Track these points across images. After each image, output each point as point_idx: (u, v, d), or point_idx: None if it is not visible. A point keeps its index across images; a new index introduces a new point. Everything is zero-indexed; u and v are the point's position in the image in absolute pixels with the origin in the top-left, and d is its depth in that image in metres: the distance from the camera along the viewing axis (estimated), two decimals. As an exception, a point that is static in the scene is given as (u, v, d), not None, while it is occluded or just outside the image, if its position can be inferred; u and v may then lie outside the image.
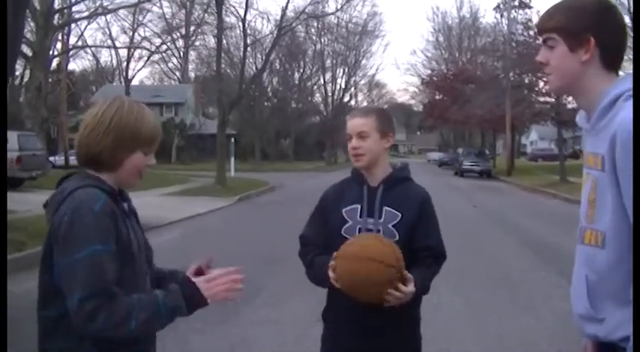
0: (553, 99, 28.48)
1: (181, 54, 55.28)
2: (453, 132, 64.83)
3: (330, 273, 2.26)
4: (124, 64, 47.30)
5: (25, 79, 31.03)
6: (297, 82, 57.49)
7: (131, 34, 44.74)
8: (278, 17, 29.57)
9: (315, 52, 56.07)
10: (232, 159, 29.71)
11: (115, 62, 56.80)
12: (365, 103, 66.05)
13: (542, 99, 31.06)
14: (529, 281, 7.65)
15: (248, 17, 35.53)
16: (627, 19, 2.31)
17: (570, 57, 1.68)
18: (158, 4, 41.17)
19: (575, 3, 1.70)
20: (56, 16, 24.09)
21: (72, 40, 38.26)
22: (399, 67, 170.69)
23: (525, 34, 31.89)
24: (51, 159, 26.84)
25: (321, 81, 60.24)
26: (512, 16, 35.76)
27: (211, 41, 42.10)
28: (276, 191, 23.13)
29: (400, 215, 2.38)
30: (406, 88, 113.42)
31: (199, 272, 1.99)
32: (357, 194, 2.45)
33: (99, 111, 1.80)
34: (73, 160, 29.50)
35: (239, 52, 35.29)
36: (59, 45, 35.68)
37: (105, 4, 28.35)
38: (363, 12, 65.12)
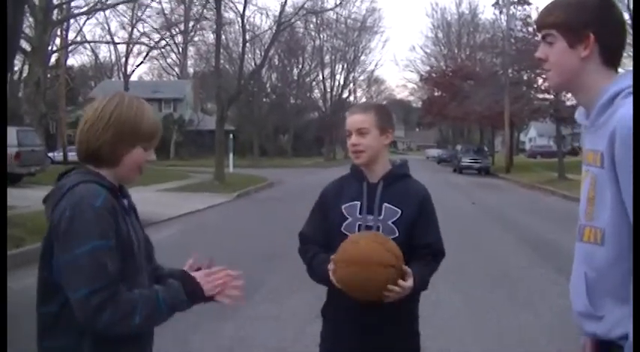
0: (552, 96, 28.41)
1: (180, 49, 55.20)
2: (452, 128, 64.75)
3: (331, 276, 2.25)
4: (123, 59, 47.46)
5: (24, 75, 30.92)
6: (295, 77, 57.44)
7: (130, 29, 44.75)
8: (277, 13, 29.60)
9: (314, 47, 56.06)
10: (231, 155, 29.74)
11: (113, 58, 57.03)
12: (364, 99, 66.04)
13: (541, 95, 30.94)
14: (528, 278, 7.65)
15: (247, 13, 35.65)
16: (627, 16, 2.31)
17: (570, 53, 1.68)
18: (157, 0, 41.10)
19: (575, -1, 1.70)
20: (55, 12, 24.00)
21: (71, 36, 38.32)
22: (397, 63, 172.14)
23: (524, 30, 31.74)
24: (50, 154, 26.79)
25: (320, 77, 60.30)
26: (511, 12, 35.81)
27: (210, 37, 42.10)
28: (275, 187, 23.11)
29: (400, 212, 2.37)
30: (405, 84, 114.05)
31: (197, 270, 1.99)
32: (356, 190, 2.44)
33: (99, 106, 1.80)
34: (71, 156, 29.53)
35: (238, 48, 35.32)
36: (58, 40, 35.60)
37: (104, -1, 28.25)
38: (362, 8, 65.34)
